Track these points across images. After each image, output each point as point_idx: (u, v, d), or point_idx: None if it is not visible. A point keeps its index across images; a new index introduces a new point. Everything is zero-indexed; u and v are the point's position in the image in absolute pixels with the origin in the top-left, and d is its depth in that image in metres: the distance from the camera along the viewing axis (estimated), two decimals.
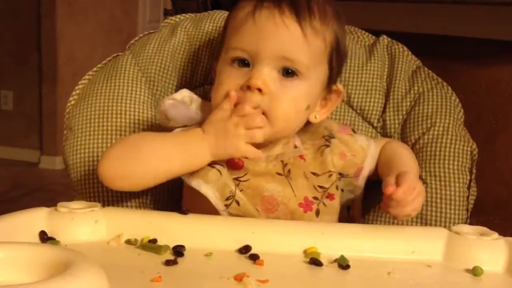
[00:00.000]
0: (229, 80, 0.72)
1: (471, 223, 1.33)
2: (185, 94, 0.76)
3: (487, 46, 1.31)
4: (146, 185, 0.72)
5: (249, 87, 0.70)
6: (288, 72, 0.71)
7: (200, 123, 0.73)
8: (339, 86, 0.79)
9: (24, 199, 2.75)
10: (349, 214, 0.81)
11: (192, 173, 0.71)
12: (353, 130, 0.84)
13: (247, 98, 0.70)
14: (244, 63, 0.71)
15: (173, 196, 0.81)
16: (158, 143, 0.70)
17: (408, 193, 0.66)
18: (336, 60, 0.75)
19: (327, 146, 0.79)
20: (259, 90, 0.69)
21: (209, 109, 0.75)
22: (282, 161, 0.76)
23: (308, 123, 0.78)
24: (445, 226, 0.78)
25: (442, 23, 1.40)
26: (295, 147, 0.79)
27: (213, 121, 0.70)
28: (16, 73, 3.33)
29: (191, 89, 0.88)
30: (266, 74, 0.70)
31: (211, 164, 0.71)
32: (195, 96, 0.77)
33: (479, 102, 1.36)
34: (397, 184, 0.67)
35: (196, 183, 0.70)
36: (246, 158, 0.73)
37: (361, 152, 0.81)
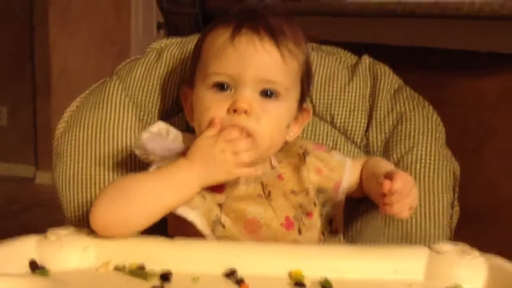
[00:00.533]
0: (214, 104, 0.74)
1: (462, 232, 1.36)
2: (161, 126, 0.78)
3: (473, 58, 1.33)
4: (143, 226, 0.71)
5: (235, 110, 0.72)
6: (267, 94, 0.74)
7: (180, 154, 0.75)
8: (308, 105, 0.84)
9: (21, 215, 2.76)
10: (332, 226, 0.83)
11: None
12: (329, 148, 0.87)
13: (235, 121, 0.72)
14: (223, 87, 0.74)
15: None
16: (146, 183, 0.71)
17: (405, 183, 0.68)
18: (307, 80, 0.80)
19: (303, 163, 0.82)
20: (245, 112, 0.72)
21: (189, 138, 0.77)
22: (261, 183, 0.78)
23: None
24: (429, 245, 0.79)
25: (429, 36, 1.42)
26: (272, 167, 0.81)
27: (198, 149, 0.72)
28: (10, 87, 3.33)
29: (177, 113, 0.90)
30: (250, 97, 0.73)
31: None
32: (171, 128, 0.79)
33: (466, 114, 1.38)
34: (390, 179, 0.68)
35: (182, 211, 0.72)
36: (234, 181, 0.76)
37: (338, 167, 0.83)
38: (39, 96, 3.29)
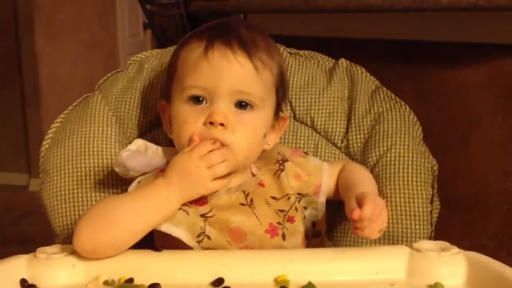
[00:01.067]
0: (191, 117, 0.76)
1: (453, 222, 1.38)
2: (139, 143, 0.80)
3: (455, 49, 1.34)
4: (127, 246, 0.72)
5: (211, 123, 0.74)
6: (242, 105, 0.76)
7: (160, 168, 0.78)
8: (285, 113, 0.86)
9: (18, 223, 2.77)
10: (315, 228, 0.85)
11: None
12: (305, 153, 0.88)
13: (212, 134, 0.74)
14: (198, 100, 0.76)
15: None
16: (127, 205, 0.73)
17: (375, 209, 0.70)
18: (281, 89, 0.81)
19: (282, 170, 0.83)
20: (221, 124, 0.74)
21: (170, 152, 0.79)
22: (243, 191, 0.80)
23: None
24: (410, 242, 0.81)
25: (411, 28, 1.44)
26: (253, 175, 0.83)
27: (175, 167, 0.73)
28: None
29: (161, 124, 0.91)
30: (225, 109, 0.75)
31: None
32: (149, 144, 0.81)
33: (451, 104, 1.39)
34: (360, 205, 0.70)
35: (166, 227, 0.74)
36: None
37: (315, 171, 0.85)
38: (28, 105, 3.29)
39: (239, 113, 0.76)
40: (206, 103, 0.76)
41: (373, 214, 0.70)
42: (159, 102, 0.87)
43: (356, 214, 0.69)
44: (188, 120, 0.76)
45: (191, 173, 0.72)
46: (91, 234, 0.70)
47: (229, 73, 0.74)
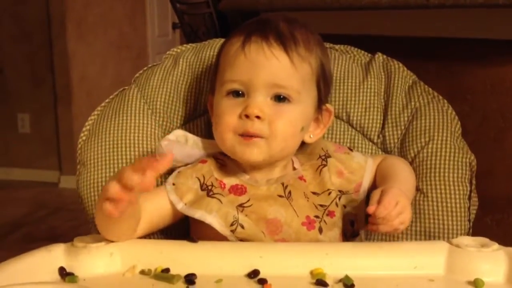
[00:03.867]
0: (228, 110, 0.77)
1: (486, 222, 1.35)
2: (178, 133, 0.81)
3: (490, 46, 1.32)
4: (137, 234, 0.75)
5: (247, 116, 0.74)
6: (280, 98, 0.76)
7: (200, 160, 0.78)
8: (329, 106, 0.84)
9: (48, 219, 2.82)
10: (353, 227, 0.84)
11: (192, 204, 0.76)
12: (350, 149, 0.87)
13: (247, 126, 0.75)
14: (238, 94, 0.77)
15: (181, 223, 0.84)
16: (101, 222, 0.73)
17: (389, 207, 0.69)
18: (323, 83, 0.81)
19: (324, 165, 0.83)
20: (258, 117, 0.74)
21: (209, 144, 0.80)
22: (282, 184, 0.80)
23: (304, 144, 0.83)
24: (447, 238, 0.80)
25: (445, 25, 1.42)
26: (294, 169, 0.83)
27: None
28: (32, 95, 3.41)
29: (195, 118, 0.92)
30: (261, 102, 0.75)
31: (211, 195, 0.76)
32: (189, 135, 0.82)
33: (485, 102, 1.37)
34: (379, 201, 0.70)
35: (200, 215, 0.75)
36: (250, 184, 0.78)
37: (358, 168, 0.84)
38: (60, 104, 3.36)
39: (276, 105, 0.76)
40: (243, 96, 0.76)
41: (388, 215, 0.69)
42: (207, 97, 0.88)
43: (370, 210, 0.69)
44: (225, 113, 0.77)
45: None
46: (102, 231, 0.72)
47: (265, 66, 0.75)
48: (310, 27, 0.81)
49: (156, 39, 4.04)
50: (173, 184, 0.78)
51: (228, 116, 0.76)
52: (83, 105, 3.32)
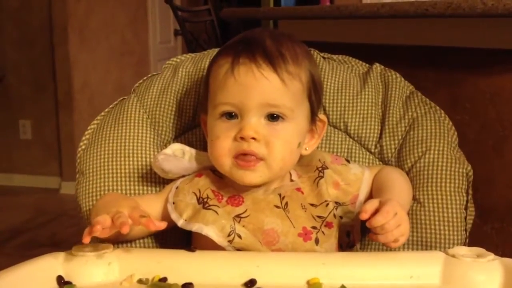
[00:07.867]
0: (222, 134, 0.77)
1: (485, 231, 1.35)
2: (176, 147, 0.82)
3: (489, 55, 1.33)
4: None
5: (242, 138, 0.75)
6: (274, 117, 0.76)
7: (196, 173, 0.81)
8: (322, 116, 0.85)
9: (49, 225, 2.82)
10: (349, 238, 0.84)
11: (191, 219, 0.77)
12: (347, 160, 0.88)
13: (243, 148, 0.75)
14: (231, 115, 0.77)
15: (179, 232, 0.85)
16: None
17: (387, 217, 0.69)
18: (315, 95, 0.81)
19: (321, 177, 0.83)
20: (253, 138, 0.75)
21: (204, 157, 0.82)
22: (279, 194, 0.80)
23: (300, 156, 0.83)
24: (444, 248, 0.80)
25: (444, 34, 1.42)
26: (291, 180, 0.83)
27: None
28: (34, 102, 3.42)
29: (194, 127, 0.92)
30: (255, 123, 0.75)
31: (206, 207, 0.77)
32: (187, 148, 0.83)
33: (484, 111, 1.38)
34: (377, 210, 0.70)
35: (197, 227, 0.76)
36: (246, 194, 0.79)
37: (355, 180, 0.84)
38: (62, 110, 3.36)
39: (270, 125, 0.76)
40: (237, 118, 0.76)
41: (387, 223, 0.69)
42: (198, 115, 0.88)
43: (362, 216, 0.69)
44: (220, 136, 0.77)
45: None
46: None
47: (256, 88, 0.75)
48: (295, 36, 0.81)
49: (157, 45, 4.06)
50: (173, 203, 0.80)
51: (223, 140, 0.77)
52: (84, 111, 3.33)
